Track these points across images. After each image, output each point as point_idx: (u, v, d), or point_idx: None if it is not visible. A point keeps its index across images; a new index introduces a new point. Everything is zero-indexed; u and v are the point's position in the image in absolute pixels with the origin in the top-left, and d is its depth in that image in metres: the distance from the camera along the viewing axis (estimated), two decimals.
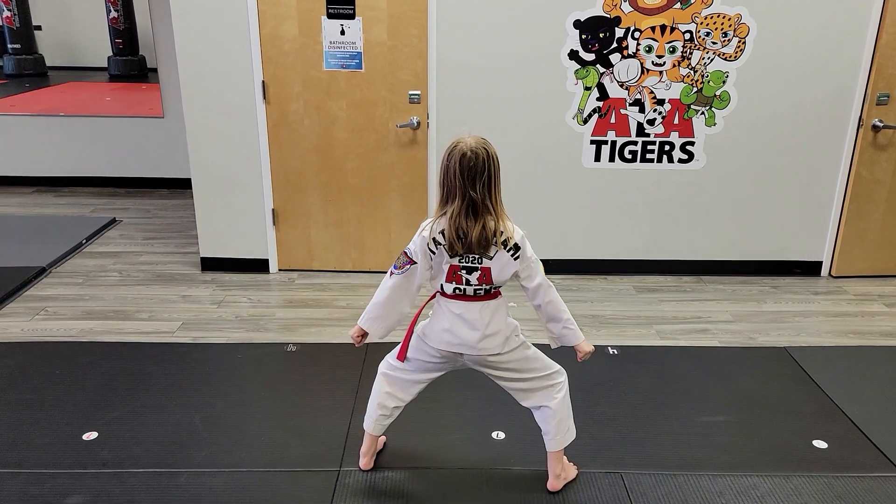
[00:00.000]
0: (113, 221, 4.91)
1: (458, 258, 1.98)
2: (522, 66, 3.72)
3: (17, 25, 8.18)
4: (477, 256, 1.98)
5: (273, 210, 3.95)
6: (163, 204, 5.34)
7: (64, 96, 7.59)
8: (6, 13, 8.08)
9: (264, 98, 3.75)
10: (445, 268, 2.01)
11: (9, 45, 8.22)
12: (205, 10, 3.59)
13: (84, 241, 4.48)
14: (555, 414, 2.18)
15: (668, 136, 3.89)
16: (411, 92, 3.75)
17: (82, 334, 3.27)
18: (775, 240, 4.07)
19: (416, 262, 2.03)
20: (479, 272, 1.99)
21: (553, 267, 4.02)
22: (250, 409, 2.68)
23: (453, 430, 2.57)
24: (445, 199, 1.98)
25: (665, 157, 3.93)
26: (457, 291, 2.03)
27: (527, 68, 3.72)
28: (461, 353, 2.08)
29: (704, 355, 3.16)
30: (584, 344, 2.16)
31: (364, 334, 2.16)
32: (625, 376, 2.96)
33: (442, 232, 1.97)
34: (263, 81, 3.72)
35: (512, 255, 2.00)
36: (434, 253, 2.00)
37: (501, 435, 2.54)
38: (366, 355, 3.07)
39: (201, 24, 3.61)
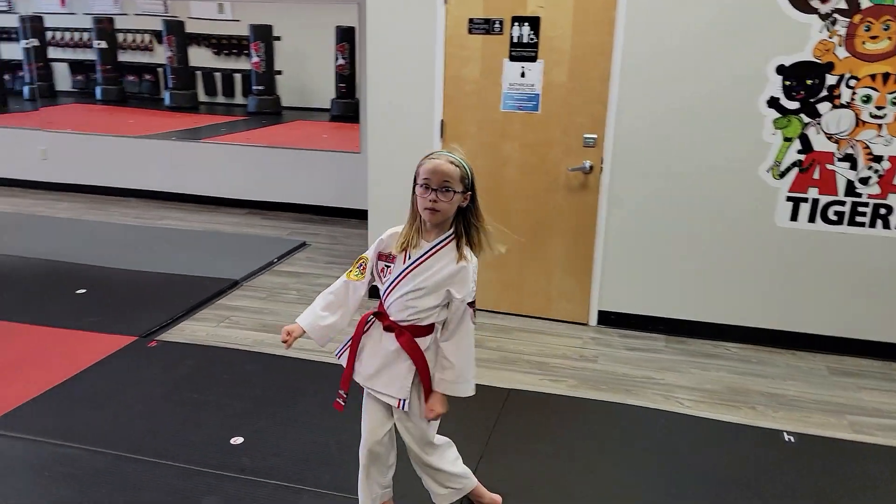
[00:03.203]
0: (303, 245, 5.30)
1: None
2: (713, 112, 3.45)
3: (263, 70, 9.33)
4: None
5: None
6: (349, 232, 5.67)
7: (290, 132, 8.44)
8: (255, 59, 9.27)
9: (441, 137, 3.84)
10: None
11: (253, 87, 9.42)
12: (397, 52, 3.78)
13: (275, 261, 4.88)
14: None
15: (885, 199, 3.37)
16: (587, 135, 3.63)
17: (254, 344, 3.51)
18: None
19: None
20: None
21: (730, 334, 3.64)
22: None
23: None
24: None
25: (880, 221, 3.40)
26: None
27: (718, 115, 3.45)
28: None
29: None
30: None
31: None
32: (799, 469, 2.55)
33: None
34: (442, 121, 3.82)
35: None
36: None
37: None
38: (506, 401, 2.96)
39: (392, 65, 3.81)
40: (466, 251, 1.89)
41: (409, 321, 1.89)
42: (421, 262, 1.87)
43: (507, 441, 2.68)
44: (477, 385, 3.09)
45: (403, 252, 1.88)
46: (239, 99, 10.19)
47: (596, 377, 3.26)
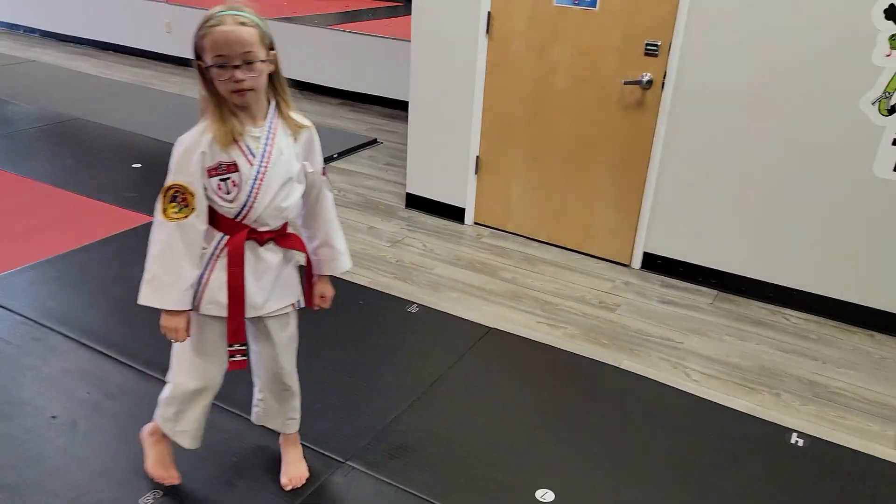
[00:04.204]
0: (374, 142, 5.09)
1: None
2: (809, 23, 2.69)
3: None
4: None
5: (477, 158, 3.62)
6: None
7: None
8: None
9: (487, 32, 3.37)
10: None
11: None
12: None
13: (335, 156, 4.72)
14: None
15: None
16: (649, 42, 3.01)
17: None
18: None
19: None
20: None
21: (795, 301, 3.01)
22: (308, 355, 2.48)
23: None
24: None
25: None
26: None
27: (815, 27, 2.69)
28: None
29: None
30: None
31: None
32: (785, 479, 2.04)
33: None
34: (489, 13, 3.33)
35: None
36: None
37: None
38: (480, 340, 2.65)
39: None
40: (297, 116, 1.61)
41: (282, 223, 1.64)
42: (271, 152, 1.55)
43: (456, 384, 2.39)
44: (456, 317, 2.82)
45: (240, 152, 1.52)
46: None
47: (603, 328, 2.83)
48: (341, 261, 1.75)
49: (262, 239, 1.61)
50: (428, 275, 3.19)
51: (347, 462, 1.99)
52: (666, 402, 2.36)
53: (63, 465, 1.92)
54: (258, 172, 1.54)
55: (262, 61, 1.48)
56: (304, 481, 1.91)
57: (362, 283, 3.04)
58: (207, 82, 1.50)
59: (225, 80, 1.46)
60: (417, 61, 3.61)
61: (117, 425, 2.10)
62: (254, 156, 1.53)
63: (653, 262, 3.31)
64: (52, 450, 1.97)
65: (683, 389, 2.45)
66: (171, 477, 1.86)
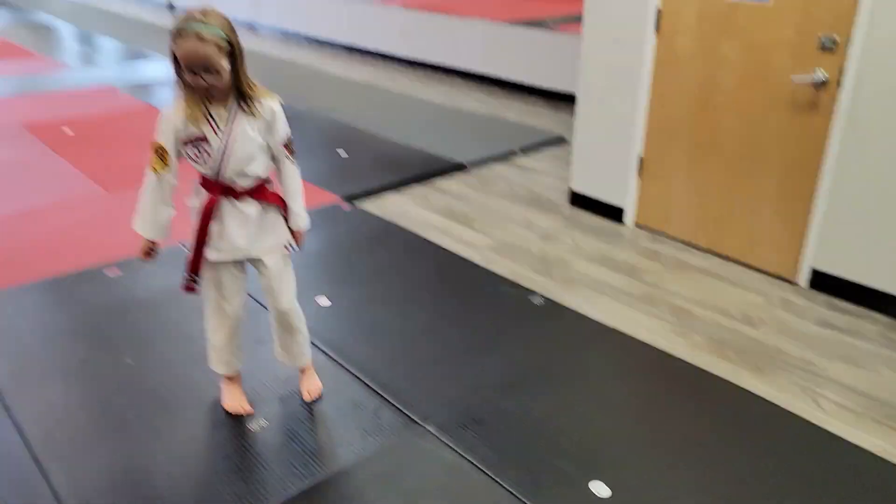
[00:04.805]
0: (559, 140, 5.16)
1: None
2: None
3: None
4: None
5: (640, 158, 3.54)
6: None
7: None
8: None
9: (657, 30, 3.29)
10: None
11: None
12: None
13: (517, 151, 4.88)
14: None
15: None
16: (824, 36, 2.73)
17: (421, 225, 3.68)
18: None
19: None
20: None
21: None
22: (426, 331, 2.66)
23: None
24: None
25: None
26: None
27: None
28: None
29: None
30: None
31: None
32: None
33: None
34: (659, 9, 3.25)
35: None
36: None
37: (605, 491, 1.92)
38: (596, 335, 2.65)
39: None
40: (260, 101, 1.89)
41: (254, 182, 1.97)
42: (234, 129, 1.88)
43: (551, 374, 2.43)
44: (577, 313, 2.82)
45: (210, 127, 1.86)
46: None
47: (735, 343, 2.65)
48: (296, 220, 2.08)
49: (237, 195, 1.96)
50: (568, 271, 3.23)
51: (423, 424, 2.16)
52: (774, 426, 2.17)
53: (205, 388, 2.35)
54: (224, 144, 1.88)
55: (225, 67, 1.78)
56: (320, 390, 2.30)
57: (499, 272, 3.17)
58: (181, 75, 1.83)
59: (195, 83, 1.80)
60: (587, 58, 3.63)
61: (256, 365, 2.48)
62: (220, 130, 1.88)
63: (822, 281, 2.99)
64: (200, 375, 2.41)
65: (803, 416, 2.22)
66: (244, 409, 2.24)
